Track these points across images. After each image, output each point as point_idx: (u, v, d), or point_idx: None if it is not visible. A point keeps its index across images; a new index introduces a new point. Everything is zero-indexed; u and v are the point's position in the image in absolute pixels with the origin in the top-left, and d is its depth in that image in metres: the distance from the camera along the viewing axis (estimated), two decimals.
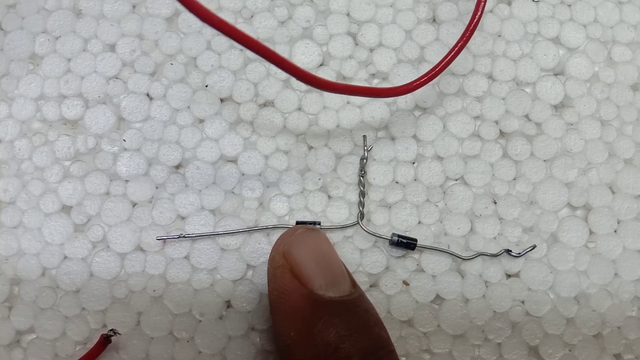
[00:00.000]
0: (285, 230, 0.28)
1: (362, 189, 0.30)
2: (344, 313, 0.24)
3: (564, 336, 0.30)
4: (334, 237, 0.30)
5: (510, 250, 0.30)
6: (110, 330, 0.28)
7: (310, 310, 0.24)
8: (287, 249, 0.25)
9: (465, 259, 0.30)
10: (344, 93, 0.28)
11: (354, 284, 0.26)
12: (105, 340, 0.28)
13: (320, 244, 0.26)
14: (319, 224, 0.30)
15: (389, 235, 0.30)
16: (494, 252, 0.30)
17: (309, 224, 0.30)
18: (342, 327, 0.23)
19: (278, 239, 0.27)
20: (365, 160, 0.31)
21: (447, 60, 0.29)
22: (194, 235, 0.30)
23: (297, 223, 0.30)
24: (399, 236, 0.30)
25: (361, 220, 0.30)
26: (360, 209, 0.30)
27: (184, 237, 0.30)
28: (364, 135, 0.31)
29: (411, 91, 0.29)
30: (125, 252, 0.30)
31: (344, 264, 0.27)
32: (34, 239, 0.30)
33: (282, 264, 0.25)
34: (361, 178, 0.30)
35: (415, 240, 0.30)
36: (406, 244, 0.30)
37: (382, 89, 0.29)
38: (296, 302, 0.24)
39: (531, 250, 0.30)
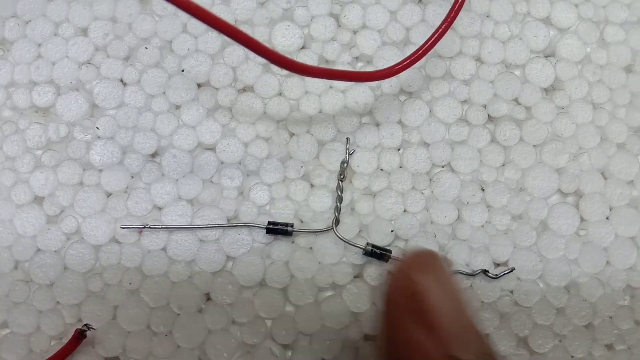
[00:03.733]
0: (413, 253, 0.21)
1: (339, 193, 0.29)
2: None
3: (554, 326, 0.29)
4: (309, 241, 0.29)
5: (487, 271, 0.29)
6: (85, 325, 0.27)
7: None
8: (420, 280, 0.19)
9: None
10: (325, 77, 0.27)
11: (485, 346, 0.20)
12: (80, 335, 0.27)
13: (453, 291, 0.20)
14: (292, 226, 0.29)
15: (364, 244, 0.28)
16: (472, 270, 0.29)
17: (281, 225, 0.29)
18: None
19: (406, 261, 0.20)
20: (345, 164, 0.29)
21: (431, 41, 0.28)
22: (159, 227, 0.28)
23: (269, 223, 0.29)
24: (373, 246, 0.28)
25: (336, 226, 0.29)
26: (336, 214, 0.29)
27: (149, 227, 0.28)
28: (347, 138, 0.30)
29: (394, 75, 0.28)
30: (100, 244, 0.29)
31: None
32: (5, 231, 0.29)
33: (400, 304, 0.19)
34: (340, 182, 0.29)
35: (390, 251, 0.28)
36: (379, 255, 0.28)
37: (364, 73, 0.28)
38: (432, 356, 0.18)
39: (509, 272, 0.29)
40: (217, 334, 0.28)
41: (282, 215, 0.29)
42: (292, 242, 0.29)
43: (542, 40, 0.32)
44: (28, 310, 0.28)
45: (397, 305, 0.19)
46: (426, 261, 0.20)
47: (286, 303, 0.29)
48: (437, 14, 0.31)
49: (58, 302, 0.28)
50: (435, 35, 0.28)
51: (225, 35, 0.22)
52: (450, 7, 0.29)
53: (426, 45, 0.28)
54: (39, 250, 0.29)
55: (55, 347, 0.28)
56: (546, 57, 0.32)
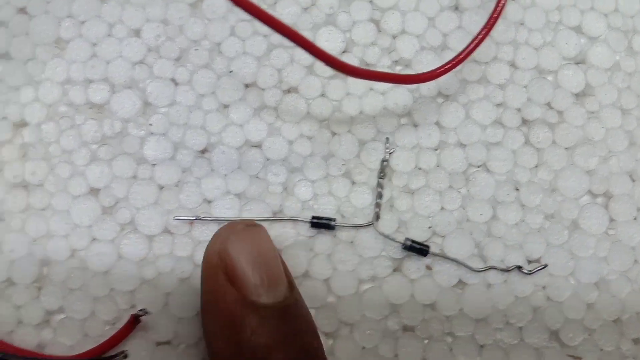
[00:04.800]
0: (223, 225, 0.26)
1: (380, 190, 0.30)
2: (276, 321, 0.23)
3: (584, 321, 0.30)
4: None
5: (521, 267, 0.30)
6: (141, 310, 0.28)
7: (240, 318, 0.23)
8: (223, 247, 0.24)
9: (476, 271, 0.30)
10: (370, 79, 0.29)
11: (291, 287, 0.25)
12: (135, 320, 0.28)
13: (259, 243, 0.25)
14: (335, 220, 0.30)
15: (403, 239, 0.30)
16: (506, 266, 0.30)
17: (325, 219, 0.30)
18: (272, 337, 0.23)
19: (214, 235, 0.25)
20: (386, 163, 0.31)
21: (471, 47, 0.30)
22: (210, 218, 0.30)
23: (313, 217, 0.30)
24: (412, 241, 0.30)
25: (376, 221, 0.30)
26: (377, 210, 0.30)
27: (200, 219, 0.30)
28: (387, 138, 0.31)
29: (435, 78, 0.29)
30: (153, 234, 0.30)
31: (284, 264, 0.26)
32: (62, 221, 0.30)
33: (216, 264, 0.24)
34: (380, 180, 0.31)
35: (428, 247, 0.30)
36: (418, 249, 0.30)
37: (407, 76, 0.29)
38: (227, 307, 0.23)
39: (542, 269, 0.30)
40: None
41: (324, 210, 0.31)
42: (334, 236, 0.31)
43: (573, 47, 0.33)
44: (83, 296, 0.30)
45: (209, 263, 0.24)
46: (237, 227, 0.25)
47: (328, 294, 0.30)
48: (473, 21, 0.33)
49: (112, 289, 0.30)
50: (476, 41, 0.30)
51: (285, 36, 0.23)
52: (486, 14, 0.31)
53: (467, 50, 0.29)
54: (94, 239, 0.30)
55: (110, 331, 0.29)
56: (577, 64, 0.33)
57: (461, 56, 0.29)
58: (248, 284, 0.24)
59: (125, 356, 0.29)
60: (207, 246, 0.25)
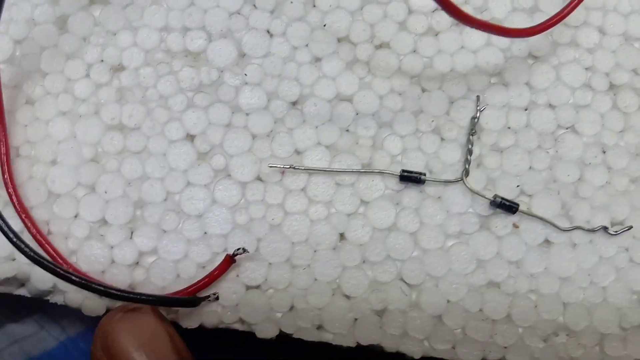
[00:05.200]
0: (104, 317, 0.26)
1: (470, 147, 0.31)
2: None
3: None
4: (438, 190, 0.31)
5: (607, 228, 0.30)
6: (238, 249, 0.29)
7: None
8: (104, 341, 0.25)
9: (563, 230, 0.30)
10: (480, 28, 0.28)
11: (180, 357, 0.25)
12: (230, 260, 0.29)
13: (143, 327, 0.25)
14: (424, 175, 0.30)
15: (491, 196, 0.30)
16: (592, 227, 0.30)
17: (415, 174, 0.30)
18: None
19: (96, 329, 0.26)
20: (476, 120, 0.31)
21: (569, 7, 0.30)
22: (303, 168, 0.30)
23: (403, 171, 0.30)
24: (502, 199, 0.30)
25: (466, 177, 0.31)
26: (466, 166, 0.31)
27: (294, 168, 0.30)
28: (477, 96, 0.32)
29: (537, 34, 0.29)
30: (245, 181, 0.31)
31: (176, 340, 0.26)
32: (158, 164, 0.31)
33: (100, 358, 0.24)
34: (470, 137, 0.31)
35: (517, 204, 0.30)
36: (508, 206, 0.30)
37: (514, 29, 0.29)
38: None
39: (627, 230, 0.30)
40: (350, 270, 0.30)
41: (413, 165, 0.31)
42: (422, 191, 0.31)
43: None
44: (177, 239, 0.30)
45: (95, 352, 0.25)
46: (115, 318, 0.26)
47: (415, 247, 0.30)
48: None
49: (206, 233, 0.30)
50: (573, 3, 0.30)
51: None
52: None
53: (565, 11, 0.30)
54: (189, 183, 0.31)
55: (202, 273, 0.30)
56: None
57: (562, 14, 0.29)
58: None
59: (217, 297, 0.29)
60: (93, 341, 0.25)
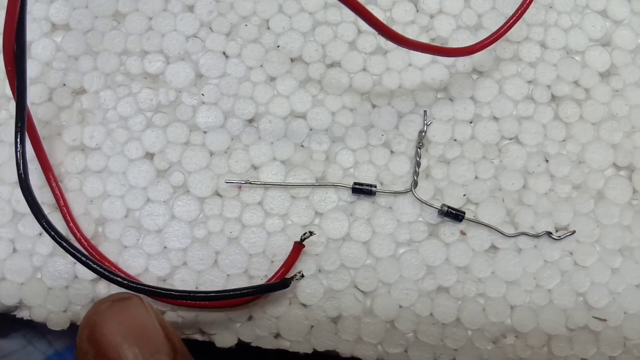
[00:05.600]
0: (91, 306, 0.25)
1: (417, 159, 0.32)
2: None
3: (609, 285, 0.32)
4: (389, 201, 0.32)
5: (551, 233, 0.32)
6: (306, 232, 0.30)
7: None
8: (91, 331, 0.23)
9: (508, 236, 0.32)
10: (419, 50, 0.30)
11: (174, 348, 0.24)
12: (299, 245, 0.30)
13: (130, 316, 0.24)
14: (375, 187, 0.32)
15: (439, 205, 0.32)
16: (536, 232, 0.32)
17: (366, 186, 0.32)
18: None
19: (83, 319, 0.24)
20: (424, 133, 0.33)
21: (507, 26, 0.32)
22: (259, 182, 0.32)
23: (355, 184, 0.32)
24: (449, 207, 0.32)
25: (415, 188, 0.32)
26: (415, 178, 0.32)
27: (250, 183, 0.32)
28: (424, 110, 0.33)
29: (475, 52, 0.31)
30: (204, 196, 0.32)
31: (166, 328, 0.25)
32: (118, 182, 0.32)
33: (86, 351, 0.23)
34: (418, 149, 0.33)
35: (464, 212, 0.32)
36: (455, 215, 0.32)
37: (454, 49, 0.31)
38: None
39: (571, 235, 0.32)
40: (306, 279, 0.31)
41: (364, 177, 0.33)
42: (373, 202, 0.32)
43: (599, 30, 0.35)
44: (137, 254, 0.31)
45: (80, 351, 0.23)
46: (102, 307, 0.24)
47: (368, 255, 0.32)
48: (506, 3, 0.34)
49: (165, 247, 0.31)
50: (511, 20, 0.32)
51: (348, 7, 0.25)
52: None
53: (504, 28, 0.31)
54: (149, 200, 0.32)
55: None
56: (603, 45, 0.35)
57: (501, 31, 0.31)
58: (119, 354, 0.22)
59: (302, 275, 0.30)
60: (78, 332, 0.24)
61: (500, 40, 0.33)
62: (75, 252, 0.27)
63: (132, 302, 0.25)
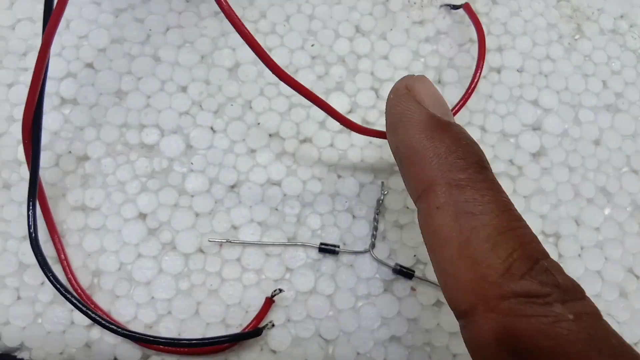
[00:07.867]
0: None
1: (375, 224, 0.38)
2: (456, 133, 0.27)
3: None
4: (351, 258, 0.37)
5: None
6: (276, 289, 0.35)
7: (433, 122, 0.27)
8: (410, 83, 0.28)
9: None
10: (367, 135, 0.36)
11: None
12: (270, 300, 0.35)
13: (435, 88, 0.29)
14: (338, 247, 0.37)
15: (393, 264, 0.37)
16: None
17: (331, 246, 0.37)
18: (455, 142, 0.27)
19: (401, 79, 0.29)
20: (381, 201, 0.38)
21: (453, 111, 0.38)
22: (238, 241, 0.37)
23: (321, 244, 0.37)
24: (400, 266, 0.37)
25: (372, 248, 0.37)
26: (373, 240, 0.38)
27: (230, 241, 0.36)
28: (382, 182, 0.39)
29: None
30: (189, 252, 0.37)
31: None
32: (114, 239, 0.36)
33: (405, 93, 0.28)
34: (376, 215, 0.38)
35: (413, 271, 0.37)
36: (406, 273, 0.37)
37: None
38: (420, 116, 0.27)
39: None
40: (276, 328, 0.36)
41: (330, 238, 0.38)
42: (337, 260, 0.37)
43: (531, 117, 0.41)
44: (128, 303, 0.36)
45: (397, 91, 0.29)
46: (415, 76, 0.29)
47: (331, 307, 0.37)
48: (452, 93, 0.41)
49: (152, 297, 0.36)
50: (456, 107, 0.38)
51: (308, 99, 0.31)
52: (463, 88, 0.39)
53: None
54: (140, 255, 0.36)
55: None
56: (534, 129, 0.41)
57: None
58: (433, 109, 0.27)
59: (273, 325, 0.35)
60: (394, 86, 0.29)
61: None
62: (75, 301, 0.32)
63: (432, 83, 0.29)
